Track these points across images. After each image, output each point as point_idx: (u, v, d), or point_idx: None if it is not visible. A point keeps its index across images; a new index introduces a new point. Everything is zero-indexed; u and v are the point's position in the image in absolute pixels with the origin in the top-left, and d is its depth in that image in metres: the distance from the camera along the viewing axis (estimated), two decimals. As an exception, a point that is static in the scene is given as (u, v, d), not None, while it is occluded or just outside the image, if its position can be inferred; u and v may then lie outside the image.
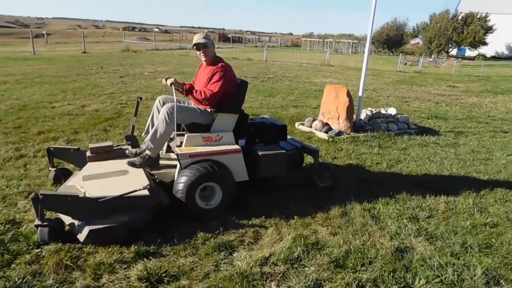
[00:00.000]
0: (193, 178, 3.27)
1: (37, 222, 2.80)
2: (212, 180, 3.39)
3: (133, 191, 2.99)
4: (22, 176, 4.13)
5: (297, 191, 4.16)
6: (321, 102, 7.19)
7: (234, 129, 3.75)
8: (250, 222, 3.39)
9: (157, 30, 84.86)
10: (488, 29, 40.50)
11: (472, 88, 15.41)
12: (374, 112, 7.37)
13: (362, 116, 7.25)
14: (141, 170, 3.55)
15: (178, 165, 3.43)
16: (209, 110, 3.69)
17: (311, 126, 6.98)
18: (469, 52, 45.02)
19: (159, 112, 3.79)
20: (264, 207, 3.70)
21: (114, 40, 42.39)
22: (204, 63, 3.81)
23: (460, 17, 41.66)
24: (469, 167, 5.36)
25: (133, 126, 4.17)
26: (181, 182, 3.30)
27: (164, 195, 3.12)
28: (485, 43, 40.89)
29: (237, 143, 3.73)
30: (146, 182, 3.24)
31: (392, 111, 7.51)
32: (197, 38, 3.65)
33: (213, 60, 3.76)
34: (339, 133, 6.53)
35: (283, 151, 3.86)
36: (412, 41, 50.33)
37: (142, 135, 3.92)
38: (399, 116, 7.47)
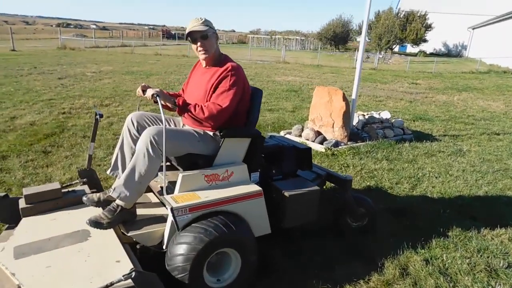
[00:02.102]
0: (199, 246, 2.07)
1: None
2: (227, 244, 2.22)
3: (108, 285, 1.74)
4: None
5: (323, 236, 3.08)
6: (311, 106, 6.16)
7: (244, 158, 2.60)
8: (286, 304, 2.27)
9: (94, 26, 79.58)
10: (428, 27, 41.96)
11: (434, 85, 15.21)
12: (367, 116, 6.48)
13: (355, 121, 6.32)
14: (111, 231, 2.29)
15: (171, 222, 2.21)
16: (211, 134, 2.49)
17: (300, 136, 5.93)
18: (410, 49, 46.52)
19: (132, 138, 2.53)
20: (293, 269, 2.60)
21: (48, 37, 38.59)
22: (203, 63, 2.58)
23: (402, 15, 42.84)
24: (496, 182, 4.60)
25: (90, 156, 2.88)
26: (180, 253, 2.09)
27: (158, 282, 1.89)
28: (425, 40, 42.38)
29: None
30: (126, 261, 1.99)
31: (386, 114, 6.67)
32: (193, 25, 2.39)
33: (217, 59, 2.53)
34: (336, 143, 5.54)
35: (316, 187, 2.73)
36: (358, 38, 51.13)
37: (108, 172, 2.63)
38: (393, 120, 6.65)
